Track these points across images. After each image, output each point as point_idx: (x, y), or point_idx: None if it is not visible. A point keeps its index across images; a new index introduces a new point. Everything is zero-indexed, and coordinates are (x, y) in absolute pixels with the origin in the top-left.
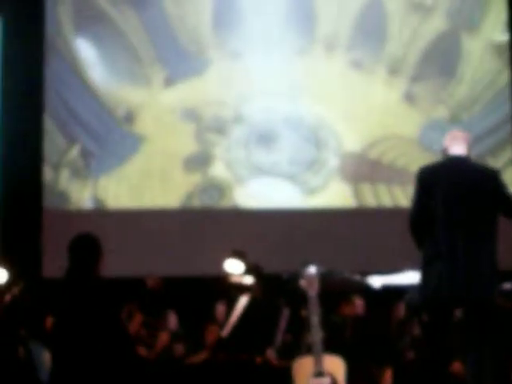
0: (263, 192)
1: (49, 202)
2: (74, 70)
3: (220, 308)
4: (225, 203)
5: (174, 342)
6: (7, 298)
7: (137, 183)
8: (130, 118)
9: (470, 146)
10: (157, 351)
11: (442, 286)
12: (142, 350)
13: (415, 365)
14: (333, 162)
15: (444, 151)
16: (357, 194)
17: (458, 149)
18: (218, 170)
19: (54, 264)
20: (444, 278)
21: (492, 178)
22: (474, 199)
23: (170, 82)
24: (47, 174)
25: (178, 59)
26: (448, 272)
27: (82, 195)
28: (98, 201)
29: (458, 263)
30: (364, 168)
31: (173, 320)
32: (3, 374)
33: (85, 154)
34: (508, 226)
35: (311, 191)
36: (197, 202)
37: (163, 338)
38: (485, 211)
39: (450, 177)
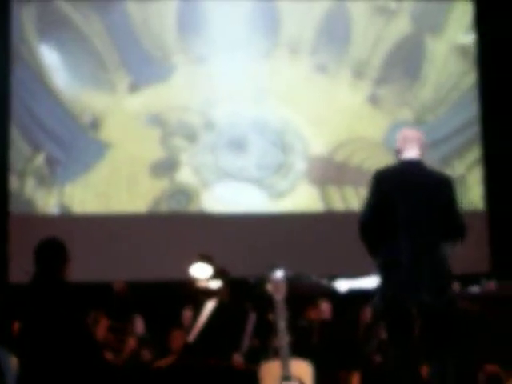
0: (230, 196)
1: (15, 208)
2: (39, 77)
3: (186, 313)
4: (192, 208)
5: (141, 346)
6: None
7: (103, 189)
8: (95, 124)
9: (424, 146)
10: (124, 356)
11: (399, 294)
12: (109, 355)
13: (383, 368)
14: (300, 165)
15: (397, 153)
16: (324, 197)
17: (411, 152)
18: (185, 175)
19: (21, 269)
20: (401, 285)
21: (447, 186)
22: (429, 206)
23: (134, 87)
24: (13, 181)
25: (143, 64)
26: (404, 279)
27: (48, 201)
28: (64, 207)
29: (412, 270)
30: (331, 171)
31: (139, 325)
32: None
33: (50, 161)
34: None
35: (279, 195)
36: (164, 207)
37: (131, 343)
38: (439, 217)
39: (405, 183)
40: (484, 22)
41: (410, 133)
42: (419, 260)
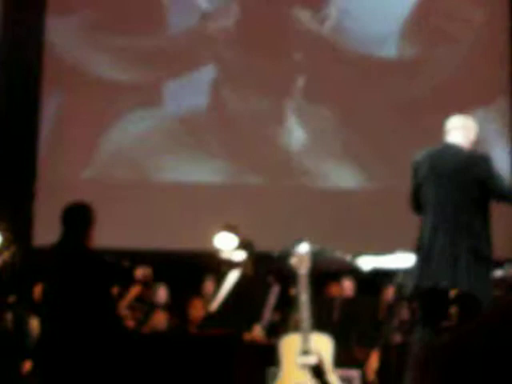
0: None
1: (43, 170)
2: None
3: (208, 283)
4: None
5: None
6: None
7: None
8: None
9: (468, 132)
10: (149, 327)
11: (421, 277)
12: (130, 323)
13: (402, 348)
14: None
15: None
16: (354, 173)
17: (452, 137)
18: None
19: (46, 232)
20: (423, 269)
21: (478, 162)
22: (459, 186)
23: None
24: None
25: None
26: (426, 264)
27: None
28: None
29: (443, 254)
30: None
31: (162, 293)
32: None
33: None
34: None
35: (306, 172)
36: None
37: (158, 316)
38: (473, 196)
39: (435, 167)
40: None
41: (455, 119)
42: (452, 243)
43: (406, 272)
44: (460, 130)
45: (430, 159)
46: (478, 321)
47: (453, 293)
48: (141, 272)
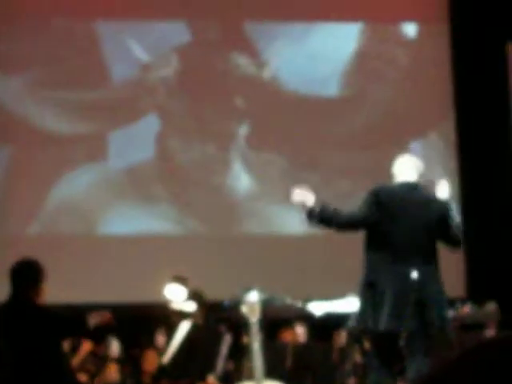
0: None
1: None
2: None
3: (160, 335)
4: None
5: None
6: None
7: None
8: None
9: (420, 171)
10: (102, 381)
11: (383, 317)
12: (84, 378)
13: None
14: None
15: (394, 177)
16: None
17: (408, 175)
18: None
19: None
20: (387, 309)
21: (442, 202)
22: (424, 225)
23: None
24: None
25: None
26: (392, 304)
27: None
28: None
29: (402, 295)
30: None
31: (115, 347)
32: None
33: None
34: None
35: (252, 216)
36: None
37: (110, 369)
38: (434, 237)
39: (401, 202)
40: None
41: (406, 158)
42: (411, 285)
43: (359, 313)
44: (414, 169)
45: (392, 197)
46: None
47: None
48: (100, 318)
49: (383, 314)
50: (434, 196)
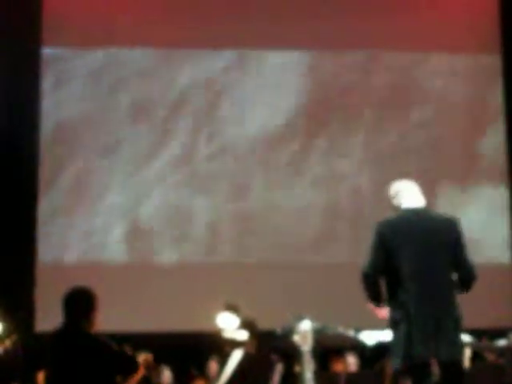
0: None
1: (42, 256)
2: None
3: (212, 364)
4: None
5: None
6: None
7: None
8: None
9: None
10: None
11: (412, 349)
12: None
13: None
14: None
15: (395, 206)
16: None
17: (411, 200)
18: None
19: (48, 319)
20: (413, 340)
21: (453, 227)
22: (437, 251)
23: None
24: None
25: None
26: (416, 334)
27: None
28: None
29: (424, 323)
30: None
31: (167, 376)
32: None
33: None
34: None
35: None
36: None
37: None
38: (449, 262)
39: (409, 232)
40: None
41: (403, 183)
42: (432, 312)
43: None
44: (416, 193)
45: (402, 226)
46: None
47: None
48: (142, 359)
49: (415, 344)
50: (444, 221)
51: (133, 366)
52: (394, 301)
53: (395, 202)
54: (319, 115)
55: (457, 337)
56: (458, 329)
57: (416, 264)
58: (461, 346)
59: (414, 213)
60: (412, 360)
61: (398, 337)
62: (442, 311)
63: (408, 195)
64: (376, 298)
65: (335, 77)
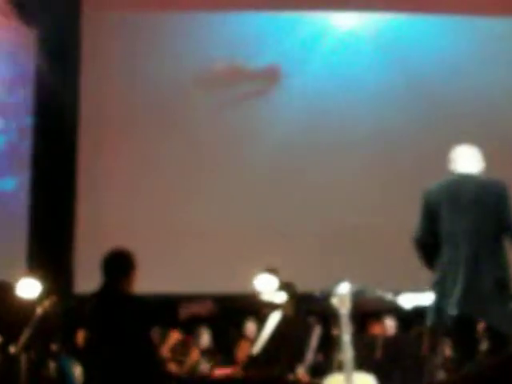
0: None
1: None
2: None
3: (250, 325)
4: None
5: (204, 357)
6: (38, 311)
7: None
8: None
9: (478, 160)
10: (187, 368)
11: (450, 306)
12: (173, 367)
13: None
14: None
15: (452, 169)
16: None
17: (465, 165)
18: None
19: (87, 280)
20: (453, 297)
21: (495, 188)
22: (477, 213)
23: None
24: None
25: None
26: (456, 292)
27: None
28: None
29: (455, 284)
30: None
31: (205, 336)
32: None
33: None
34: None
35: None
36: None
37: (193, 355)
38: (489, 224)
39: (450, 196)
40: None
41: (461, 148)
42: (466, 273)
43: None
44: (470, 159)
45: (448, 189)
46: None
47: (481, 326)
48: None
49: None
50: (490, 185)
51: (171, 322)
52: (435, 263)
53: (452, 167)
54: None
55: (493, 298)
56: (497, 290)
57: (452, 226)
58: (497, 305)
59: (461, 177)
60: (441, 319)
61: (433, 297)
62: (477, 272)
63: (461, 161)
64: (427, 262)
65: None
